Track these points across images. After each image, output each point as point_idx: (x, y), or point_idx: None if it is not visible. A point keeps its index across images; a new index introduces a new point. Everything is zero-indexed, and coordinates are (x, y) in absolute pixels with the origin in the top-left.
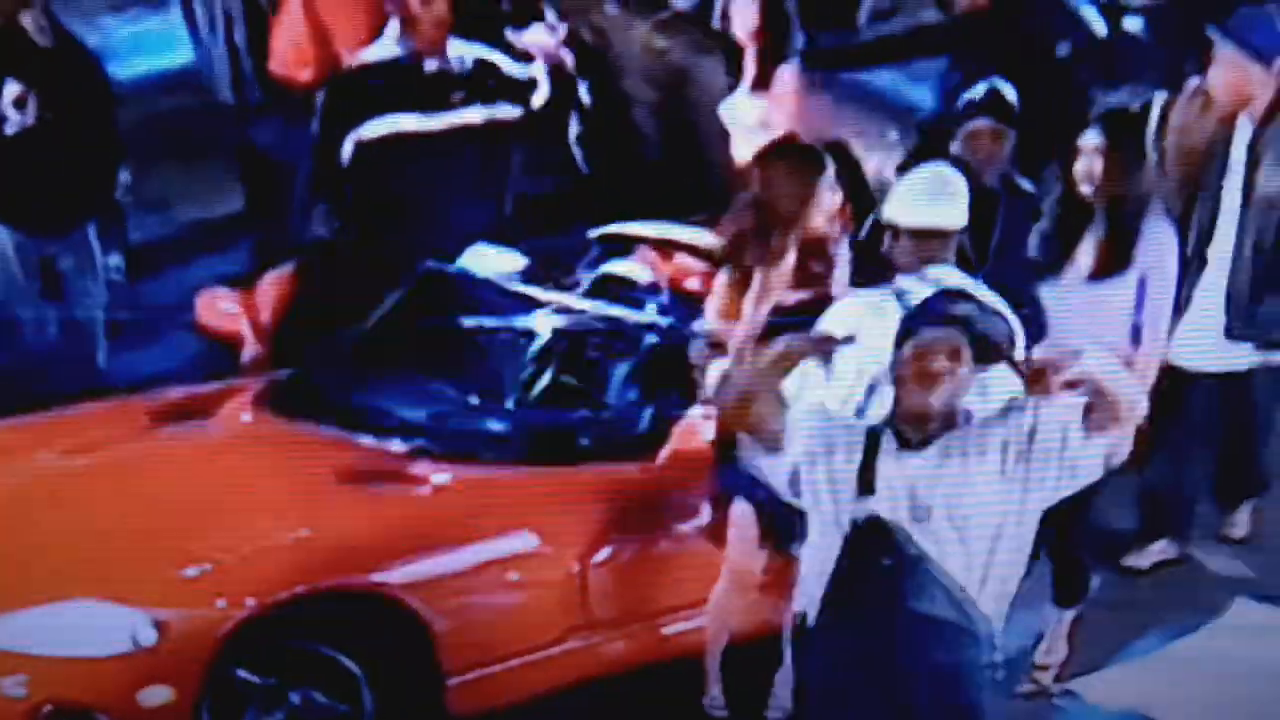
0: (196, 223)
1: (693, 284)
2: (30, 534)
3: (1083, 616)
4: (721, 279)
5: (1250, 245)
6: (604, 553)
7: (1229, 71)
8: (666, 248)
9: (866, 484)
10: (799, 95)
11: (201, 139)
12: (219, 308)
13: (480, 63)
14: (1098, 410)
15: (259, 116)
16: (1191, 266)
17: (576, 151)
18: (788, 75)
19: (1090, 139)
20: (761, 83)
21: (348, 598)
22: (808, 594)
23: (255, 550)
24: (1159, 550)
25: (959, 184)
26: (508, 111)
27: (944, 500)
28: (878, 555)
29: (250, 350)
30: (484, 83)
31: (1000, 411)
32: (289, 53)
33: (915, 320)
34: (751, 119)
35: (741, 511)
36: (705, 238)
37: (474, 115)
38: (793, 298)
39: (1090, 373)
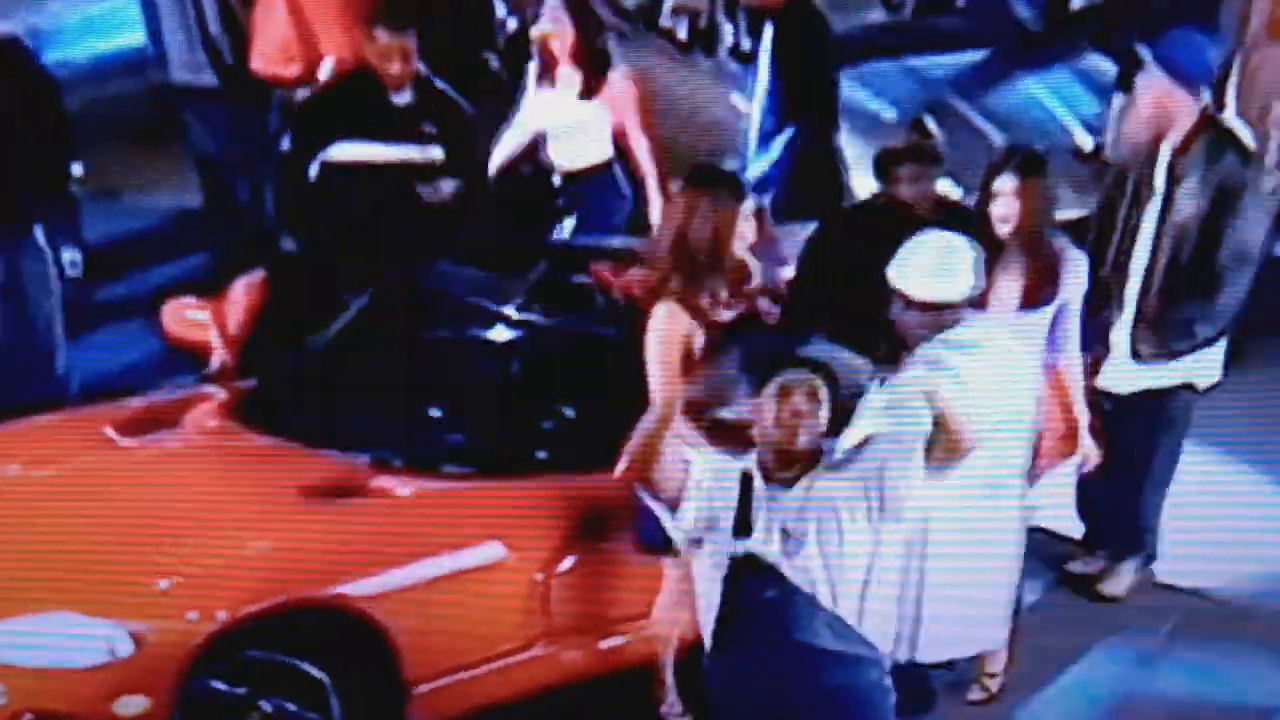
0: (155, 213)
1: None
2: (3, 545)
3: (1019, 625)
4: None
5: (1161, 269)
6: (565, 563)
7: (1155, 94)
8: (619, 259)
9: (743, 524)
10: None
11: (156, 124)
12: (187, 317)
13: (446, 97)
14: (937, 444)
15: (212, 104)
16: (1110, 289)
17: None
18: (619, 81)
19: (1006, 182)
20: (590, 91)
21: (314, 610)
22: (704, 626)
23: (224, 564)
24: (1128, 575)
25: (968, 252)
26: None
27: (814, 534)
28: (760, 590)
29: (218, 359)
30: (448, 117)
31: (856, 447)
32: (274, 49)
33: (776, 363)
34: (569, 121)
35: None
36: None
37: (436, 151)
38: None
39: (938, 396)
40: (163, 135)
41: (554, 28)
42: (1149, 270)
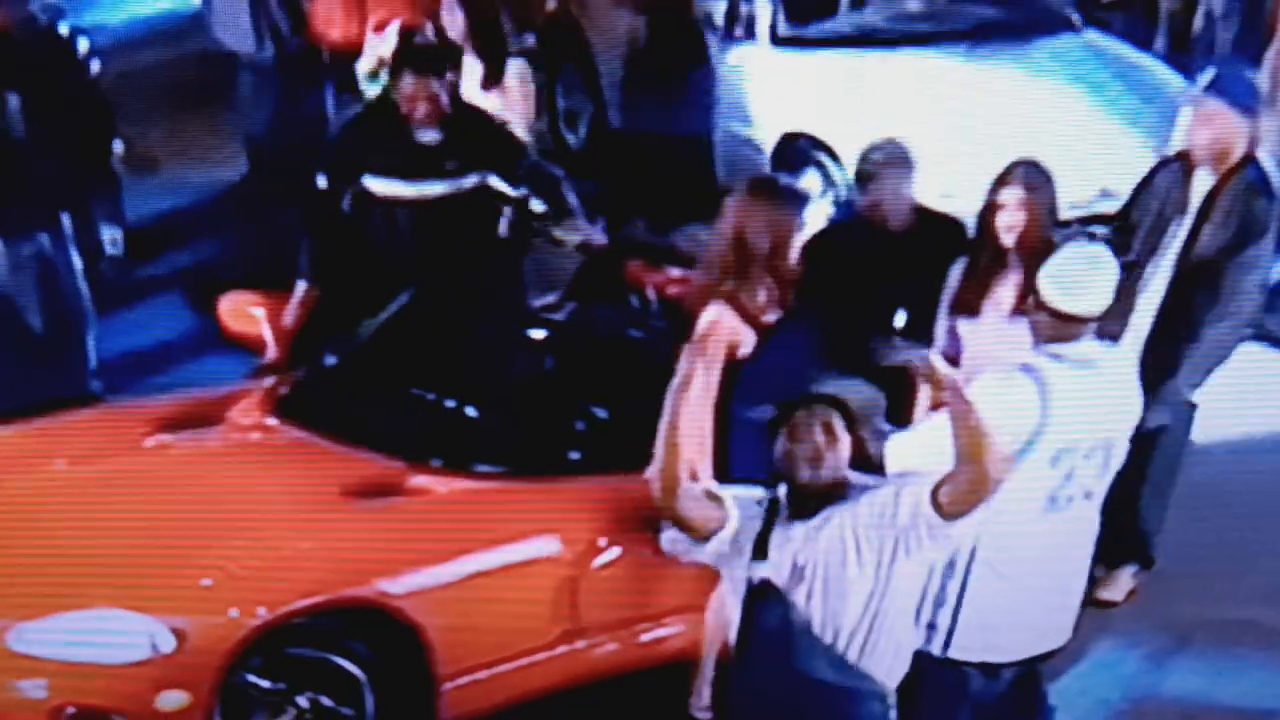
0: (196, 188)
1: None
2: (48, 541)
3: None
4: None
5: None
6: (597, 561)
7: (1213, 124)
8: (654, 257)
9: (761, 548)
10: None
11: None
12: (244, 311)
13: (474, 131)
14: (948, 484)
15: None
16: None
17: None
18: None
19: (1012, 193)
20: (492, 79)
21: (351, 608)
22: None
23: (266, 563)
24: (1127, 581)
25: (1110, 268)
26: (497, 181)
27: (819, 569)
28: (770, 617)
29: (270, 355)
30: (477, 151)
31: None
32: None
33: (790, 399)
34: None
35: None
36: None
37: (468, 182)
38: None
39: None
40: (205, 105)
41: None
42: (1167, 297)
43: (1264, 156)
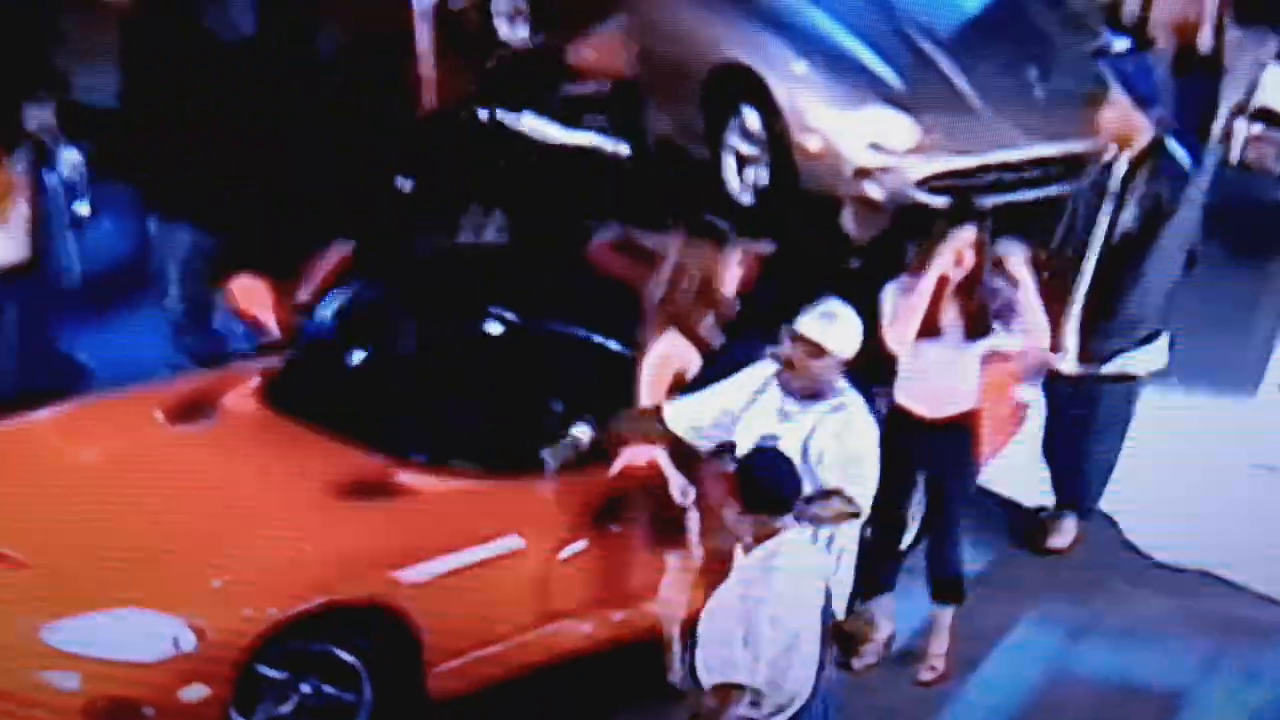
0: None
1: None
2: (74, 539)
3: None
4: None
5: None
6: (568, 550)
7: (1118, 113)
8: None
9: None
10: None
11: None
12: (252, 295)
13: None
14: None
15: None
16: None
17: None
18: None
19: (965, 234)
20: None
21: (349, 605)
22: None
23: (271, 564)
24: (1070, 529)
25: (853, 320)
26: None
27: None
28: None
29: (270, 338)
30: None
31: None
32: None
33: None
34: None
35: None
36: None
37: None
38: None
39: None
40: None
41: None
42: (1096, 270)
43: (1171, 142)
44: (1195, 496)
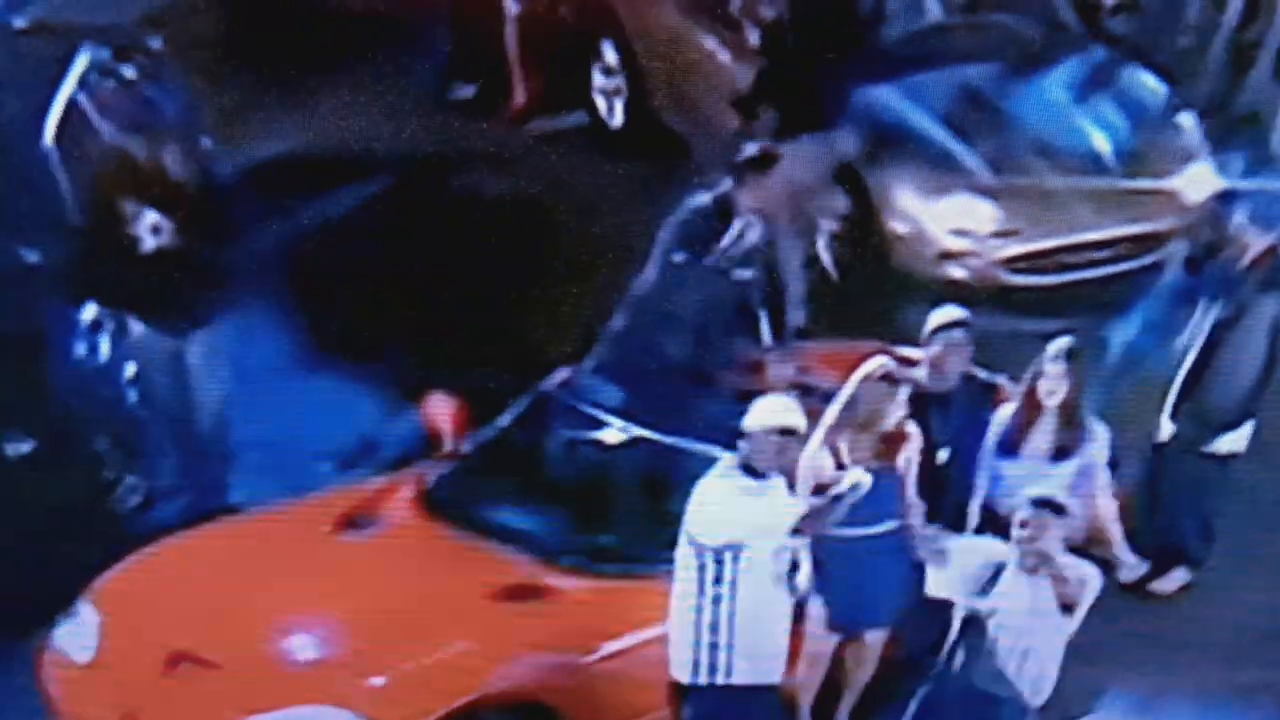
0: None
1: None
2: (251, 639)
3: None
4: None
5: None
6: None
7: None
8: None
9: None
10: None
11: None
12: (438, 408)
13: None
14: None
15: None
16: None
17: None
18: None
19: (1056, 365)
20: None
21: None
22: None
23: (428, 665)
24: (1179, 577)
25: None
26: None
27: None
28: None
29: (445, 448)
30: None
31: None
32: None
33: None
34: None
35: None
36: None
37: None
38: None
39: None
40: None
41: None
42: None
43: None
44: None
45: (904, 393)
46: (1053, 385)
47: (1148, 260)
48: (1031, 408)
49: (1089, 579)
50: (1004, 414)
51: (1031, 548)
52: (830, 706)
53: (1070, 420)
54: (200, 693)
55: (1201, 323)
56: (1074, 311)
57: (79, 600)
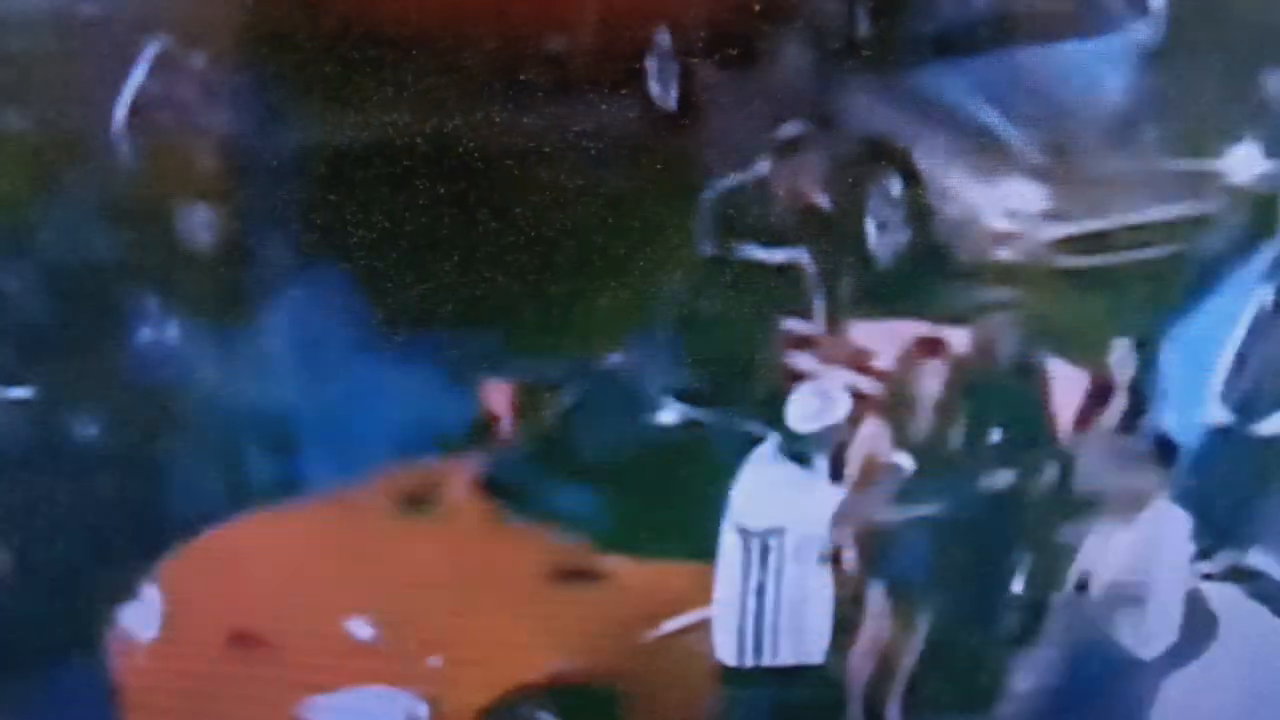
0: None
1: None
2: (310, 620)
3: None
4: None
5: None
6: None
7: None
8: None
9: None
10: None
11: None
12: (497, 394)
13: None
14: None
15: None
16: None
17: None
18: None
19: (1112, 349)
20: None
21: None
22: None
23: (489, 645)
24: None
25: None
26: None
27: None
28: None
29: (502, 434)
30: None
31: None
32: None
33: None
34: None
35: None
36: None
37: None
38: None
39: None
40: None
41: None
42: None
43: None
44: None
45: (953, 373)
46: (1113, 367)
47: (1195, 242)
48: (1094, 390)
49: None
50: (1059, 397)
51: None
52: (882, 688)
53: (1130, 403)
54: (261, 672)
55: (1249, 304)
56: (1124, 293)
57: (144, 581)
